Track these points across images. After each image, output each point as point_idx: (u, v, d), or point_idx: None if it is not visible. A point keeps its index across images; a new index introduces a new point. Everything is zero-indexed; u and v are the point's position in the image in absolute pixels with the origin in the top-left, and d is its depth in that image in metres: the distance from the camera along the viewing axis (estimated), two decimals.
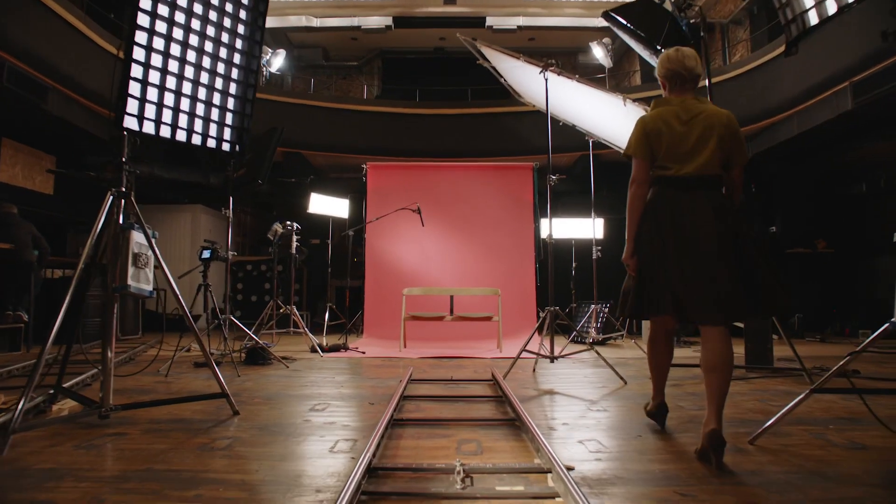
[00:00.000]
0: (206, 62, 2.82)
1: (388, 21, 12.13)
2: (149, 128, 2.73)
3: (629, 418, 2.94)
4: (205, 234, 9.67)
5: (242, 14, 2.94)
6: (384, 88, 11.60)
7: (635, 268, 2.44)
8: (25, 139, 7.77)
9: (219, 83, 2.89)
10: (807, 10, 3.04)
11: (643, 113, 3.70)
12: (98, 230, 2.70)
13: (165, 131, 2.78)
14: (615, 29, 4.56)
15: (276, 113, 8.85)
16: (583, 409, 3.19)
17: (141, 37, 2.63)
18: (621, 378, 4.10)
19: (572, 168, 9.70)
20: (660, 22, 4.24)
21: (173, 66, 2.73)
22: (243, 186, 4.90)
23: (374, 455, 2.12)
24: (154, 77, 2.67)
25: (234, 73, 2.89)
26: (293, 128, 9.08)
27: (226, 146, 2.67)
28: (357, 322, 8.31)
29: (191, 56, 2.77)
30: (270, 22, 10.35)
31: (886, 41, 2.60)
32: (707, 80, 4.45)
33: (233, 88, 2.76)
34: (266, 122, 8.79)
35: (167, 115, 2.76)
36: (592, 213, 6.49)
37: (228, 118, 2.65)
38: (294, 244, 6.16)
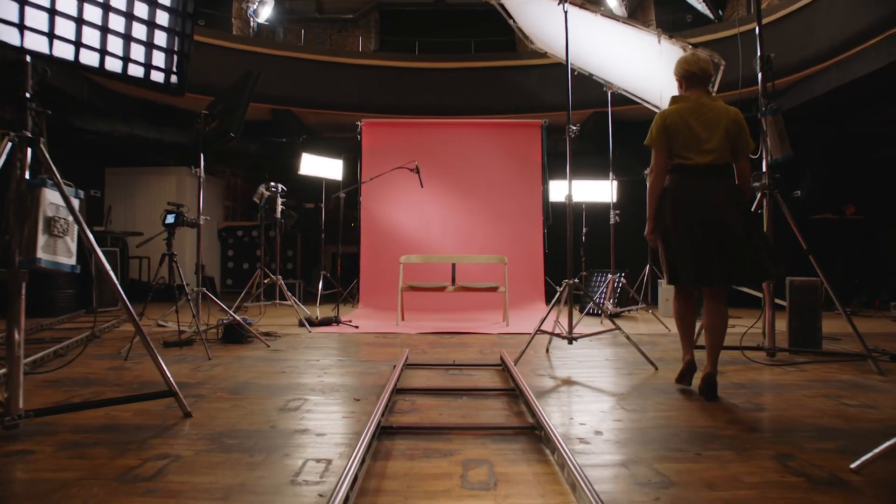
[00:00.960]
0: None
1: None
2: (65, 51, 2.04)
3: (676, 424, 2.34)
4: (191, 197, 9.01)
5: None
6: (382, 41, 10.78)
7: (655, 242, 2.88)
8: None
9: None
10: None
11: (681, 53, 3.63)
12: None
13: (88, 58, 2.10)
14: None
15: (264, 67, 8.08)
16: (614, 406, 2.59)
17: None
18: (651, 363, 3.51)
19: (583, 126, 8.93)
20: None
21: None
22: (215, 141, 4.25)
23: (347, 496, 1.52)
24: None
25: None
26: (282, 83, 8.33)
27: (157, 76, 2.00)
28: (354, 291, 7.71)
29: None
30: None
31: None
32: (757, 26, 3.77)
33: None
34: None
35: (92, 38, 2.08)
36: (611, 175, 5.82)
37: (159, 38, 1.98)
38: (279, 208, 5.51)
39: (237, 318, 4.34)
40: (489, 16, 7.98)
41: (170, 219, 4.22)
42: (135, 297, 8.11)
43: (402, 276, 5.87)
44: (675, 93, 2.95)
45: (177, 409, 2.42)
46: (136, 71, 2.00)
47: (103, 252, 5.70)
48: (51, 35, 1.84)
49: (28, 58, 2.04)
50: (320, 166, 7.64)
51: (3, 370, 2.62)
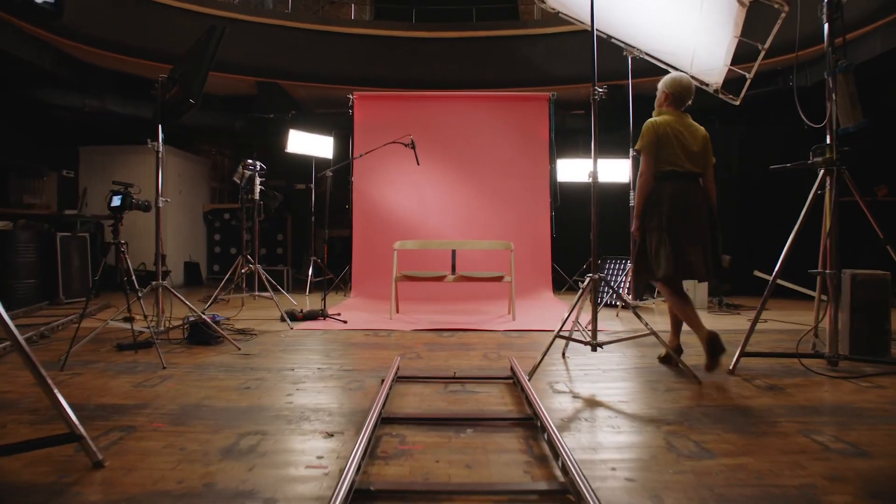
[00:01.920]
0: None
1: None
2: None
3: (757, 478, 1.71)
4: (173, 178, 8.32)
5: None
6: (377, 10, 10.02)
7: (638, 237, 3.17)
8: None
9: None
10: None
11: (729, 3, 3.08)
12: None
13: None
14: None
15: (247, 35, 7.35)
16: (664, 447, 1.96)
17: None
18: (695, 376, 2.87)
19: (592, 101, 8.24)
20: None
21: None
22: (175, 110, 3.59)
23: None
24: None
25: None
26: (269, 53, 7.60)
27: None
28: (346, 278, 7.08)
29: None
30: None
31: None
32: None
33: None
34: (236, 48, 7.32)
35: None
36: (631, 151, 5.13)
37: None
38: (257, 188, 4.85)
39: (203, 315, 3.70)
40: None
41: (115, 201, 3.56)
42: (113, 286, 7.48)
43: (396, 264, 5.22)
44: (710, 57, 3.33)
45: (86, 455, 1.79)
46: None
47: (72, 237, 5.07)
48: None
49: None
50: (309, 144, 6.98)
51: None
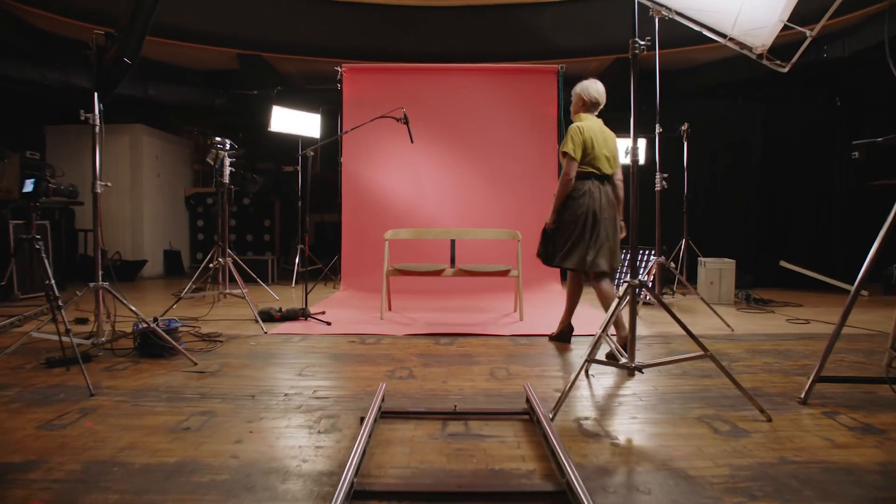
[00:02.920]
0: None
1: None
2: None
3: None
4: (149, 160, 7.60)
5: None
6: None
7: (554, 229, 3.40)
8: None
9: None
10: None
11: None
12: None
13: None
14: None
15: (225, 3, 6.58)
16: None
17: None
18: (760, 410, 2.22)
19: (603, 76, 7.48)
20: None
21: None
22: (113, 74, 2.91)
23: None
24: None
25: None
26: (250, 23, 6.83)
27: None
28: (337, 267, 6.41)
29: None
30: None
31: None
32: None
33: None
34: (213, 17, 6.56)
35: None
36: (657, 127, 4.43)
37: None
38: (227, 169, 4.16)
39: (152, 324, 3.04)
40: None
41: (27, 186, 2.85)
42: (88, 277, 6.84)
43: (387, 256, 4.55)
44: (761, 12, 2.82)
45: None
46: None
47: (29, 224, 4.39)
48: None
49: None
50: (294, 122, 6.28)
51: None
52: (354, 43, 7.07)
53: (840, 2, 3.34)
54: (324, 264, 6.71)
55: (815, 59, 6.34)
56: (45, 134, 7.40)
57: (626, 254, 5.51)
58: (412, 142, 4.25)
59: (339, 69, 6.32)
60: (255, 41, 6.95)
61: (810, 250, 6.69)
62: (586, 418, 2.20)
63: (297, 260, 6.76)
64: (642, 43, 2.47)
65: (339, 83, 6.35)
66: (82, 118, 3.05)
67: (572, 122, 3.31)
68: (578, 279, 3.52)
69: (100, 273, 3.04)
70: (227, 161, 4.18)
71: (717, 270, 5.27)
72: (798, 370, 2.89)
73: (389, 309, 4.85)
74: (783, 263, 6.16)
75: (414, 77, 6.38)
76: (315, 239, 9.22)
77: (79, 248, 7.17)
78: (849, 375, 2.74)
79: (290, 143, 6.68)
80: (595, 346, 2.30)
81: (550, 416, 2.13)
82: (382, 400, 2.26)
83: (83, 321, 4.16)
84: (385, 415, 2.19)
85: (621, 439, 1.99)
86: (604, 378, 2.77)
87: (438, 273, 4.56)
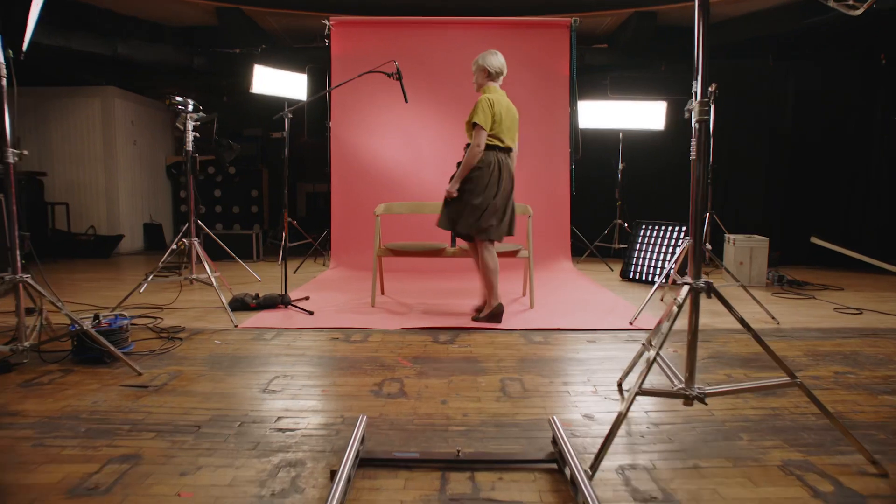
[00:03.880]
0: None
1: None
2: None
3: None
4: (123, 125, 6.91)
5: None
6: None
7: (453, 199, 3.31)
8: None
9: None
10: None
11: None
12: None
13: None
14: None
15: None
16: None
17: None
18: (870, 459, 1.63)
19: (617, 34, 6.74)
20: None
21: None
22: (17, 16, 2.25)
23: None
24: None
25: None
26: None
27: None
28: (327, 242, 5.80)
29: None
30: None
31: None
32: None
33: None
34: None
35: None
36: (698, 84, 3.72)
37: None
38: (189, 135, 3.52)
39: (85, 326, 2.44)
40: None
41: None
42: (61, 253, 6.22)
43: (378, 234, 3.94)
44: None
45: None
46: None
47: None
48: None
49: None
50: (279, 83, 5.60)
51: None
52: None
53: None
54: (314, 238, 6.11)
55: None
56: None
57: (679, 237, 4.91)
58: (406, 101, 3.58)
59: (328, 23, 5.60)
60: None
61: (844, 225, 6.08)
62: (632, 466, 1.63)
63: (284, 235, 6.15)
64: None
65: (327, 38, 5.64)
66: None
67: (483, 95, 3.26)
68: (493, 251, 3.39)
69: (19, 263, 2.42)
70: (191, 125, 3.53)
71: (747, 249, 4.66)
72: (882, 384, 2.31)
73: (382, 292, 4.27)
74: (815, 240, 5.55)
75: (410, 32, 5.65)
76: (306, 210, 8.60)
77: (50, 223, 6.54)
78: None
79: (278, 108, 6.00)
80: (645, 373, 1.71)
81: (589, 471, 1.55)
82: (362, 441, 1.69)
83: (31, 312, 3.57)
84: (365, 462, 1.61)
85: None
86: (645, 398, 2.19)
87: (437, 253, 3.95)
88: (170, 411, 2.02)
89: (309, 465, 1.62)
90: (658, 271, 4.70)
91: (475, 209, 3.23)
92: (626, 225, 5.93)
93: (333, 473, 1.51)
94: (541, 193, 5.47)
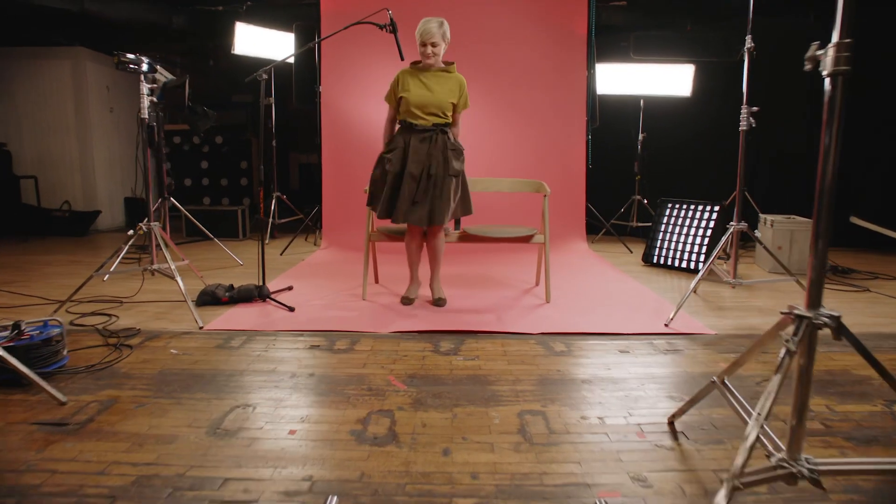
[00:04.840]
0: None
1: None
2: None
3: None
4: (97, 91, 6.27)
5: None
6: None
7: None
8: None
9: None
10: None
11: None
12: None
13: None
14: None
15: None
16: None
17: None
18: None
19: None
20: None
21: None
22: None
23: None
24: None
25: None
26: None
27: None
28: (319, 218, 5.23)
29: None
30: None
31: None
32: None
33: None
34: None
35: None
36: (750, 39, 3.08)
37: None
38: (145, 99, 2.92)
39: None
40: None
41: None
42: (33, 230, 5.64)
43: (371, 216, 3.37)
44: None
45: None
46: None
47: None
48: None
49: None
50: (264, 42, 5.00)
51: None
52: None
53: None
54: (306, 214, 5.54)
55: None
56: None
57: (710, 218, 4.35)
58: (402, 58, 2.97)
59: None
60: None
61: (884, 202, 5.47)
62: None
63: (273, 209, 5.61)
64: None
65: None
66: None
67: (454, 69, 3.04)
68: (417, 234, 3.14)
69: None
70: (146, 89, 2.93)
71: (787, 232, 4.09)
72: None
73: (376, 281, 3.73)
74: (854, 220, 4.97)
75: None
76: (300, 183, 8.00)
77: (20, 197, 5.97)
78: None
79: (274, 73, 5.39)
80: (748, 455, 1.16)
81: None
82: None
83: None
84: None
85: None
86: (714, 445, 1.65)
87: None
88: (82, 468, 1.49)
89: None
90: (685, 256, 4.15)
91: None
92: (645, 201, 5.34)
93: None
94: (554, 166, 4.87)
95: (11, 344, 2.03)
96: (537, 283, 3.64)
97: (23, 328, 2.13)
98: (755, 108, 2.88)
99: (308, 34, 5.09)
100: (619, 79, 5.08)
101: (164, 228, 4.46)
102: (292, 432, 1.71)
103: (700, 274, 2.96)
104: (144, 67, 2.88)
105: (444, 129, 2.93)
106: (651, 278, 3.95)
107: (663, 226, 4.36)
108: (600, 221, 5.28)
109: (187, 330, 2.70)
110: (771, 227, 4.14)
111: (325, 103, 4.96)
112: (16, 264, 4.26)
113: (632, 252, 4.89)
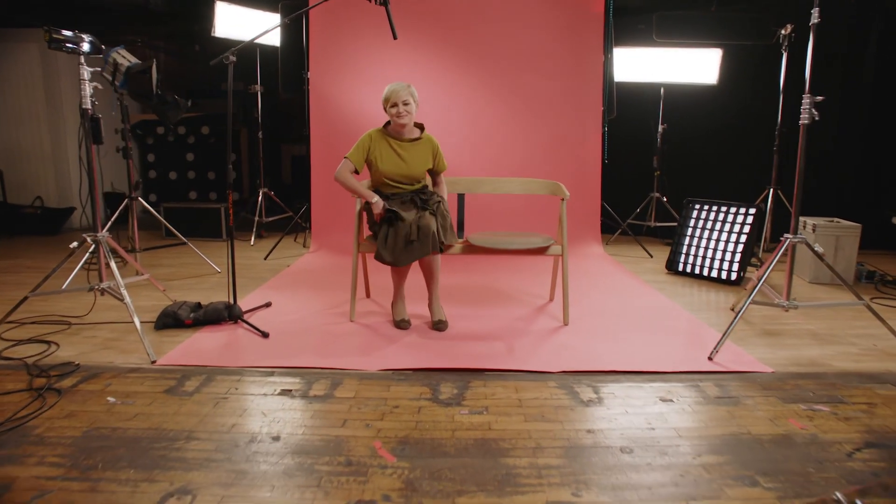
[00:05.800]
0: None
1: None
2: None
3: None
4: (70, 78, 5.74)
5: None
6: None
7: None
8: None
9: None
10: None
11: None
12: None
13: None
14: None
15: None
16: None
17: None
18: None
19: None
20: None
21: None
22: None
23: None
24: None
25: None
26: None
27: None
28: (308, 216, 4.73)
29: None
30: None
31: None
32: None
33: None
34: None
35: None
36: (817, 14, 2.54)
37: None
38: (86, 85, 2.42)
39: None
40: None
41: None
42: (1, 228, 5.09)
43: (359, 222, 2.87)
44: None
45: None
46: None
47: None
48: None
49: None
50: (247, 24, 4.47)
51: None
52: None
53: None
54: (295, 211, 5.04)
55: None
56: None
57: (745, 222, 3.85)
58: (395, 37, 2.46)
59: None
60: None
61: None
62: None
63: (258, 207, 5.10)
64: None
65: None
66: None
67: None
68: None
69: None
70: (87, 73, 2.43)
71: (832, 237, 3.59)
72: None
73: (367, 295, 3.24)
74: None
75: None
76: (291, 177, 7.48)
77: None
78: None
79: (260, 58, 4.90)
80: None
81: None
82: None
83: None
84: None
85: None
86: None
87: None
88: None
89: None
90: (716, 265, 3.65)
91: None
92: (664, 199, 4.83)
93: None
94: (567, 161, 4.37)
95: None
96: (551, 299, 3.16)
97: None
98: (819, 98, 2.36)
99: (297, 16, 4.54)
100: (638, 64, 4.55)
101: (131, 233, 3.98)
102: None
103: (748, 299, 2.47)
104: (85, 47, 2.37)
105: (422, 190, 2.77)
106: (678, 290, 3.46)
107: (690, 229, 3.86)
108: (616, 221, 4.77)
109: (136, 365, 2.22)
110: (813, 231, 3.64)
111: (314, 91, 4.44)
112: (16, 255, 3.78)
113: (652, 256, 4.39)
